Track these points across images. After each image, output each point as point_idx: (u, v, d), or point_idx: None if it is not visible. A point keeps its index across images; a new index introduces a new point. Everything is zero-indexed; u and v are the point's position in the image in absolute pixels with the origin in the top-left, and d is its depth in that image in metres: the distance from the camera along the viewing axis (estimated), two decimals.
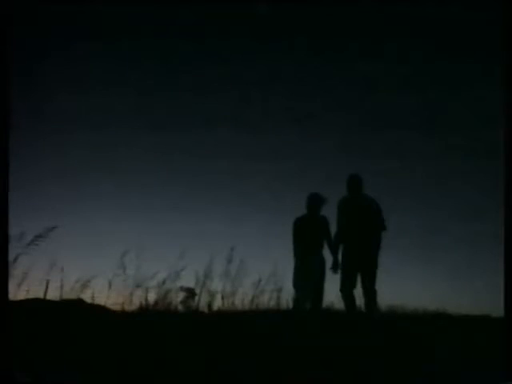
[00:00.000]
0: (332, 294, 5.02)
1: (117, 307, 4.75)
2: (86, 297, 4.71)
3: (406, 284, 7.99)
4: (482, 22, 7.21)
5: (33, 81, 7.99)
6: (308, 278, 4.78)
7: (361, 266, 4.71)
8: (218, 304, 5.16)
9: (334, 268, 4.83)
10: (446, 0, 7.04)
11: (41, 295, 4.56)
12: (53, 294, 4.57)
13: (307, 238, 4.90)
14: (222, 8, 7.40)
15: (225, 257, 5.24)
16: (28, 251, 3.90)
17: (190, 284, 5.18)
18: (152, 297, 4.89)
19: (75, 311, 4.17)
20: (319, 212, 5.02)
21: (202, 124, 10.23)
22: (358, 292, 4.75)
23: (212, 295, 5.15)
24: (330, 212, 5.01)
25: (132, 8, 7.23)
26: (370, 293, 4.70)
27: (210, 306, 5.13)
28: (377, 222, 4.78)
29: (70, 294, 4.61)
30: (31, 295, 4.46)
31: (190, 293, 5.18)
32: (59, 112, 8.85)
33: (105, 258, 5.17)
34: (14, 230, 3.82)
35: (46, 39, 7.86)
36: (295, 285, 4.91)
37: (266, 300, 5.39)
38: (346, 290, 4.74)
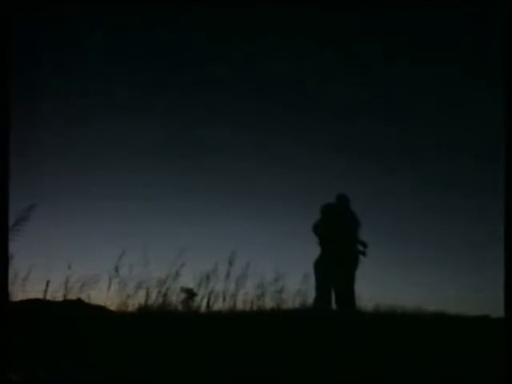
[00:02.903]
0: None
1: (117, 307, 4.75)
2: (86, 297, 4.71)
3: (405, 284, 7.99)
4: (482, 22, 7.21)
5: (33, 81, 7.98)
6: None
7: (337, 274, 4.91)
8: (218, 305, 5.16)
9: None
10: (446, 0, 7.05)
11: (41, 295, 4.57)
12: (53, 294, 4.57)
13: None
14: (223, 7, 7.40)
15: (226, 258, 5.24)
16: (13, 237, 3.87)
17: (191, 285, 5.18)
18: (152, 297, 4.89)
19: (75, 311, 4.17)
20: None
21: (204, 123, 10.25)
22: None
23: (213, 296, 5.15)
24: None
25: (132, 8, 7.24)
26: (348, 299, 4.86)
27: (210, 306, 5.12)
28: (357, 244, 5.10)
29: (69, 294, 4.61)
30: (31, 295, 4.46)
31: (190, 293, 5.17)
32: (59, 111, 8.85)
33: (105, 259, 5.17)
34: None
35: (46, 39, 7.86)
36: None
37: (268, 301, 5.40)
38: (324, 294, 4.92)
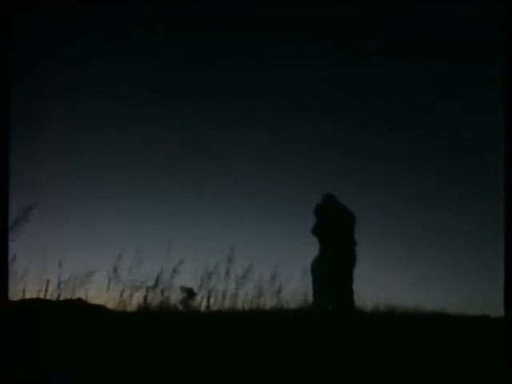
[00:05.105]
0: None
1: (116, 307, 4.75)
2: (86, 297, 4.71)
3: (406, 284, 8.00)
4: (482, 22, 7.21)
5: (33, 81, 7.98)
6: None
7: (335, 274, 4.96)
8: (217, 304, 5.16)
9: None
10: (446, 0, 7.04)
11: (40, 295, 4.56)
12: (52, 294, 4.57)
13: None
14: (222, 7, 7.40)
15: (225, 258, 5.24)
16: (13, 237, 3.89)
17: (190, 284, 5.19)
18: (151, 297, 4.89)
19: (75, 311, 4.17)
20: None
21: (202, 124, 10.25)
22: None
23: (212, 295, 5.16)
24: None
25: (132, 8, 7.23)
26: (346, 297, 4.90)
27: (209, 306, 5.13)
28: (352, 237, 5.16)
29: (68, 294, 4.61)
30: (30, 295, 4.46)
31: (190, 293, 5.18)
32: (59, 112, 8.84)
33: (105, 259, 5.17)
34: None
35: (46, 39, 7.86)
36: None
37: (267, 300, 5.40)
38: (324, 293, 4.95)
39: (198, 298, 5.11)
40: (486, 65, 8.02)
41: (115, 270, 4.82)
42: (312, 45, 9.28)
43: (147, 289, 4.87)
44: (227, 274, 5.18)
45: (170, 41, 9.03)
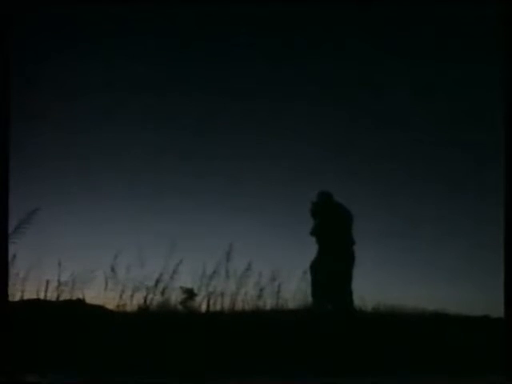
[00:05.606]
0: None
1: (116, 308, 4.76)
2: (87, 297, 4.71)
3: (405, 284, 8.01)
4: (481, 22, 7.21)
5: (33, 81, 7.98)
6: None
7: (335, 272, 4.95)
8: (217, 304, 5.16)
9: None
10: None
11: (39, 295, 4.57)
12: (51, 294, 4.57)
13: None
14: (222, 8, 7.39)
15: (224, 257, 5.24)
16: (14, 240, 3.90)
17: (190, 285, 5.19)
18: (151, 297, 4.89)
19: (75, 311, 4.17)
20: None
21: (199, 124, 10.25)
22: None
23: (211, 295, 5.15)
24: None
25: (132, 8, 7.22)
26: (345, 296, 4.90)
27: (209, 306, 5.13)
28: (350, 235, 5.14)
29: (68, 295, 4.61)
30: (30, 295, 4.46)
31: (190, 293, 5.18)
32: (59, 112, 8.85)
33: (104, 259, 5.17)
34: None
35: (46, 39, 7.86)
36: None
37: (266, 300, 5.40)
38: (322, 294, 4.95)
39: (198, 299, 5.12)
40: (486, 65, 8.01)
41: (114, 271, 4.84)
42: (309, 44, 9.28)
43: (147, 289, 4.88)
44: (227, 274, 5.18)
45: (171, 41, 9.03)
